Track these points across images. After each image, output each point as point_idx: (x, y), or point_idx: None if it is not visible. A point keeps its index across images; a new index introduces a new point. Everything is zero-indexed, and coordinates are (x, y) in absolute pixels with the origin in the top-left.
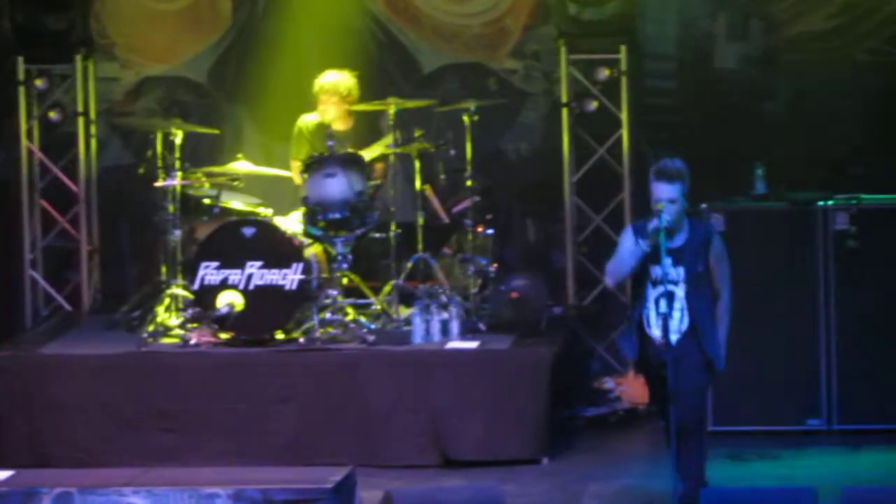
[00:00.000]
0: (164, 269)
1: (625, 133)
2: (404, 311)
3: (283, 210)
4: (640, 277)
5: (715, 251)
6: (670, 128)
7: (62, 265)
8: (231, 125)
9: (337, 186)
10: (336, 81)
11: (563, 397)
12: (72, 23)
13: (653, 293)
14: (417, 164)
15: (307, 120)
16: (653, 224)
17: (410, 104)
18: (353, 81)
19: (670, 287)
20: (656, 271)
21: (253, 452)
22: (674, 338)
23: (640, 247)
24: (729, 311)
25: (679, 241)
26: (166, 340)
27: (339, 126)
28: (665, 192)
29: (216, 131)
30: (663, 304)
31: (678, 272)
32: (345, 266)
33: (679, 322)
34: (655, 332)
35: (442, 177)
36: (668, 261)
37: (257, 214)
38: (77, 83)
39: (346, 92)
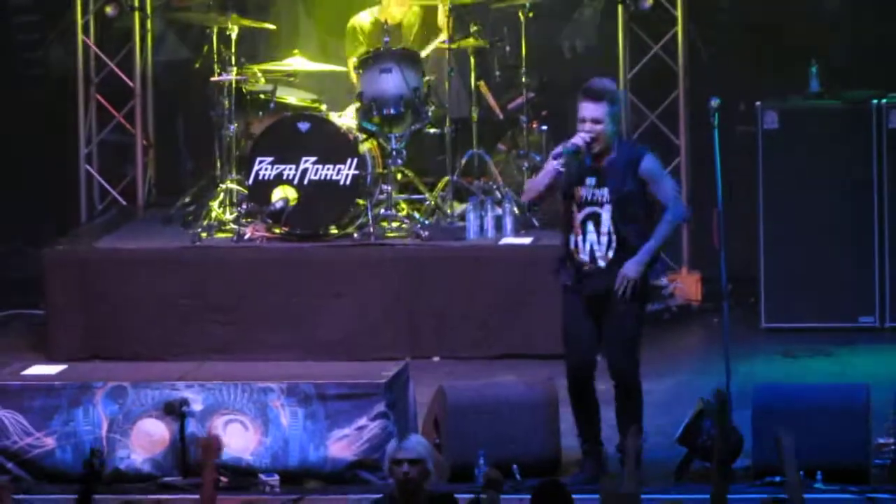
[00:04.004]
0: (219, 164)
1: (680, 30)
2: (458, 207)
3: (338, 105)
4: (567, 202)
5: (646, 170)
6: (725, 26)
7: (118, 160)
8: (287, 20)
9: (392, 82)
10: None
11: None
12: None
13: (578, 216)
14: (472, 61)
15: (361, 19)
16: (568, 145)
17: (466, 0)
18: None
19: (595, 209)
20: (581, 193)
21: (307, 347)
22: (602, 263)
23: (554, 166)
24: (670, 224)
25: (605, 162)
26: (221, 235)
27: (397, 15)
28: (589, 111)
29: (272, 26)
30: (590, 226)
31: (602, 193)
32: (399, 162)
33: (606, 247)
34: (583, 257)
35: (497, 73)
36: (591, 181)
37: (313, 109)
38: None
39: None
